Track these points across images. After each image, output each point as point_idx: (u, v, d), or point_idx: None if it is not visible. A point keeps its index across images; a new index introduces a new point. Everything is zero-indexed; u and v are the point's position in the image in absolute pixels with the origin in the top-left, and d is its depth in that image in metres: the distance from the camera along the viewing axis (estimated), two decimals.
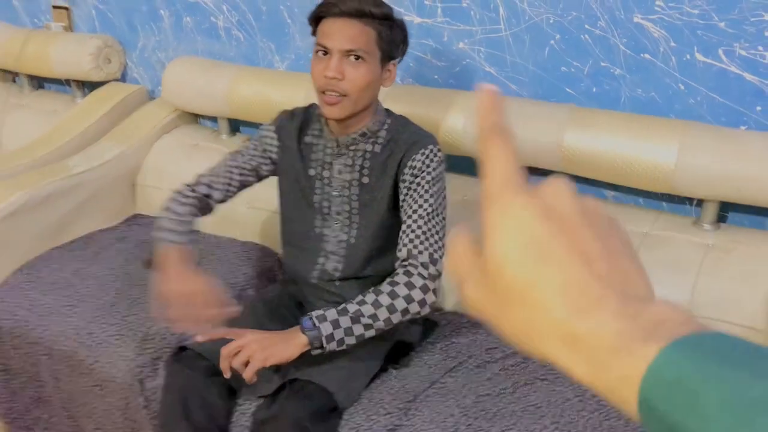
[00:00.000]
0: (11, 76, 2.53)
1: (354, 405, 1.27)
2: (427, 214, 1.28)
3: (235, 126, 2.16)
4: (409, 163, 1.32)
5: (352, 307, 1.19)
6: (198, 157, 2.03)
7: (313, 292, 1.43)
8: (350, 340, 1.18)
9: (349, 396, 1.27)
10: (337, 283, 1.41)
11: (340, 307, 1.19)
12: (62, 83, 2.47)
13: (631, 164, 1.50)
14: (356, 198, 1.38)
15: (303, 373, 1.26)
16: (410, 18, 1.81)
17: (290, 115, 1.43)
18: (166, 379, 1.33)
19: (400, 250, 1.27)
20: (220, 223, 1.85)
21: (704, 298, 1.40)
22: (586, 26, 1.62)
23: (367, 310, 1.19)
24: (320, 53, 1.28)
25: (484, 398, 1.28)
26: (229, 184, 1.41)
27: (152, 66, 2.30)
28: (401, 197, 1.33)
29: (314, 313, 1.18)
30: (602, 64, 1.63)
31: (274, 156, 1.42)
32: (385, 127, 1.37)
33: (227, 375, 1.17)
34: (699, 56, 1.53)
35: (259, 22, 2.06)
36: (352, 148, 1.36)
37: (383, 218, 1.37)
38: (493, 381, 1.34)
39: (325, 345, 1.16)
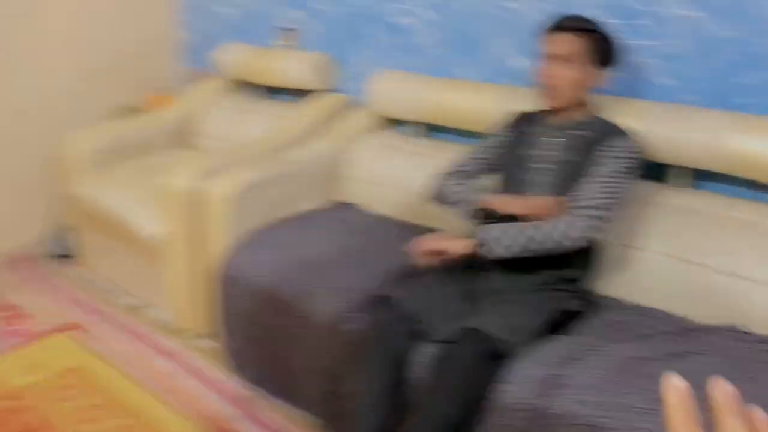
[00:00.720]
0: (247, 86, 3.04)
1: (519, 355, 1.48)
2: (609, 193, 1.57)
3: (429, 130, 2.46)
4: (610, 146, 1.62)
5: (517, 225, 1.58)
6: (395, 156, 2.36)
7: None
8: (513, 247, 1.55)
9: (515, 346, 1.48)
10: None
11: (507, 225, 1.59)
12: (287, 93, 2.93)
13: None
14: (555, 169, 1.69)
15: (479, 323, 1.50)
16: None
17: (513, 116, 1.84)
18: (366, 321, 1.63)
19: (574, 200, 1.59)
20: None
21: None
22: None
23: (531, 230, 1.56)
24: (545, 57, 1.67)
25: (644, 361, 1.42)
26: (482, 164, 1.84)
27: (361, 79, 2.68)
28: (592, 166, 1.62)
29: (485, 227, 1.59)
30: None
31: (506, 139, 1.80)
32: (594, 121, 1.70)
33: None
34: None
35: (455, 41, 2.36)
36: (565, 131, 1.69)
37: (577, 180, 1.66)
38: (654, 349, 1.48)
39: (492, 246, 1.56)
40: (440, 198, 1.83)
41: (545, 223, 1.57)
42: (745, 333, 1.57)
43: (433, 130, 2.45)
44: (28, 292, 2.64)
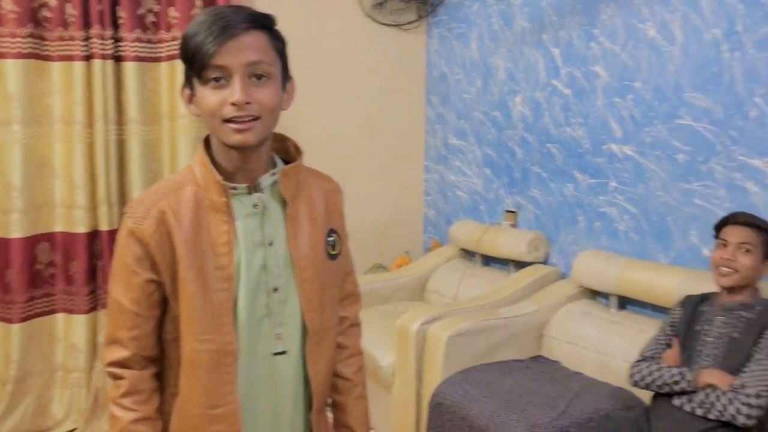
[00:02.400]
0: (470, 254, 3.68)
1: None
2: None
3: (622, 303, 2.83)
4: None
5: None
6: (590, 322, 2.75)
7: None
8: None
9: None
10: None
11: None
12: (502, 262, 3.50)
13: None
14: (725, 346, 1.96)
15: None
16: None
17: (692, 297, 2.16)
18: None
19: (744, 383, 1.84)
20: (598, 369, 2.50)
21: None
22: None
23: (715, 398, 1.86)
24: (721, 245, 2.02)
25: None
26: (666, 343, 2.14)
27: (567, 254, 3.16)
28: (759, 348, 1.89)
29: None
30: None
31: (683, 322, 2.11)
32: (758, 303, 1.98)
33: None
34: None
35: (650, 227, 2.76)
36: (733, 312, 1.99)
37: (741, 362, 1.91)
38: None
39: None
40: (640, 383, 2.06)
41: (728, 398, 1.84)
42: None
43: (627, 303, 2.81)
44: None
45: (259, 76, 1.10)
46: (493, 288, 3.15)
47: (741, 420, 1.80)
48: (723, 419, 1.84)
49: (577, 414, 2.23)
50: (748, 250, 1.97)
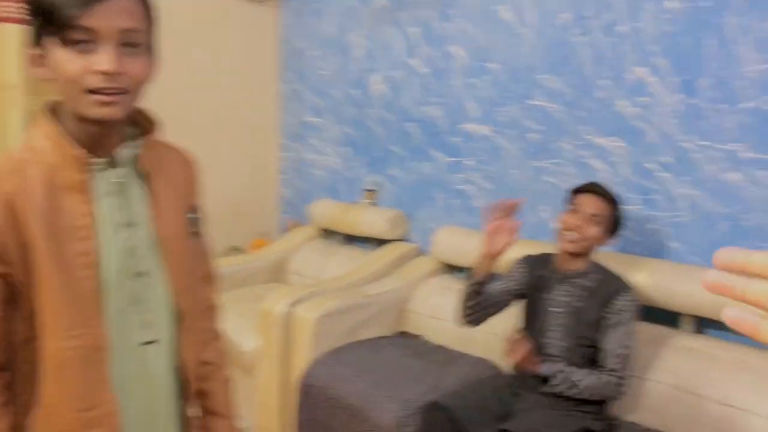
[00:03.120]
0: (330, 234, 3.65)
1: None
2: (625, 345, 1.96)
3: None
4: (616, 302, 1.98)
5: (574, 376, 1.94)
6: (450, 296, 2.82)
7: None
8: (572, 390, 1.93)
9: None
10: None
11: (566, 372, 1.95)
12: (363, 241, 3.50)
13: None
14: (568, 315, 2.05)
15: (511, 425, 1.88)
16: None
17: (532, 256, 2.22)
18: (418, 425, 2.03)
19: (604, 366, 1.96)
20: (460, 339, 2.58)
21: None
22: (743, 215, 2.16)
23: (577, 375, 1.94)
24: (571, 210, 2.07)
25: None
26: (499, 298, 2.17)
27: (426, 231, 3.23)
28: (606, 327, 1.98)
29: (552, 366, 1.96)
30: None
31: (521, 281, 2.17)
32: (595, 271, 2.07)
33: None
34: None
35: None
36: (571, 280, 2.07)
37: (589, 333, 2.01)
38: None
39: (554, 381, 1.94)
40: (461, 313, 2.12)
41: (596, 376, 1.94)
42: None
43: None
44: None
45: (132, 45, 0.97)
46: (356, 266, 3.15)
47: (609, 393, 1.94)
48: (584, 396, 1.95)
49: (446, 386, 2.29)
50: (598, 222, 2.04)
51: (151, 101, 1.13)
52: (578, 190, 2.11)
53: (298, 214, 3.99)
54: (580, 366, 2.00)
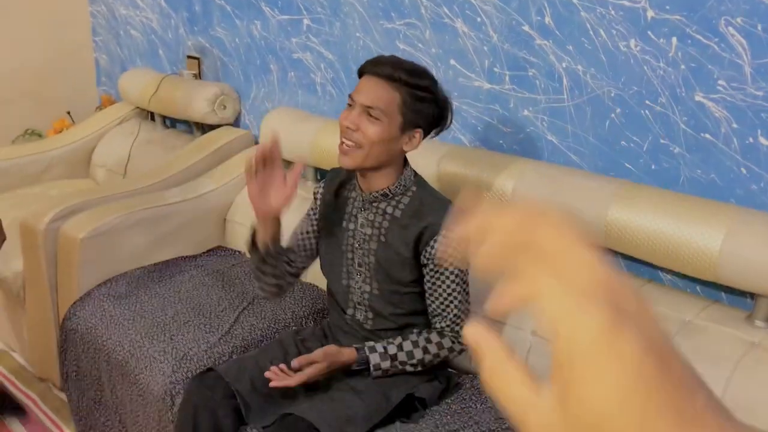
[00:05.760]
0: (149, 114, 2.88)
1: None
2: (457, 300, 1.39)
3: (323, 174, 2.30)
4: (433, 244, 1.37)
5: (392, 350, 1.39)
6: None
7: (347, 338, 1.50)
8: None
9: None
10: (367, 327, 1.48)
11: (385, 350, 1.39)
12: (189, 123, 2.77)
13: (674, 247, 1.42)
14: (373, 253, 1.44)
15: (299, 409, 1.33)
16: (480, 84, 1.86)
17: (336, 172, 1.54)
18: (184, 396, 1.45)
19: (433, 318, 1.43)
20: None
21: (734, 398, 1.28)
22: (647, 102, 1.58)
23: (403, 356, 1.39)
24: (348, 104, 1.38)
25: None
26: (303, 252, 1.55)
27: (261, 113, 2.53)
28: (427, 275, 1.41)
29: (368, 344, 1.40)
30: (662, 141, 1.57)
31: (318, 210, 1.53)
32: (409, 194, 1.42)
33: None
34: (763, 140, 1.43)
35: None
36: (375, 205, 1.43)
37: (402, 277, 1.42)
38: None
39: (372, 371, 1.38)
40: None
41: (427, 344, 1.41)
42: None
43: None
44: None
45: None
46: (165, 162, 2.44)
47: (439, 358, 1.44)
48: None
49: (244, 333, 1.71)
50: (378, 116, 1.32)
51: None
52: (360, 71, 1.40)
53: (116, 88, 3.16)
54: (397, 317, 1.45)
